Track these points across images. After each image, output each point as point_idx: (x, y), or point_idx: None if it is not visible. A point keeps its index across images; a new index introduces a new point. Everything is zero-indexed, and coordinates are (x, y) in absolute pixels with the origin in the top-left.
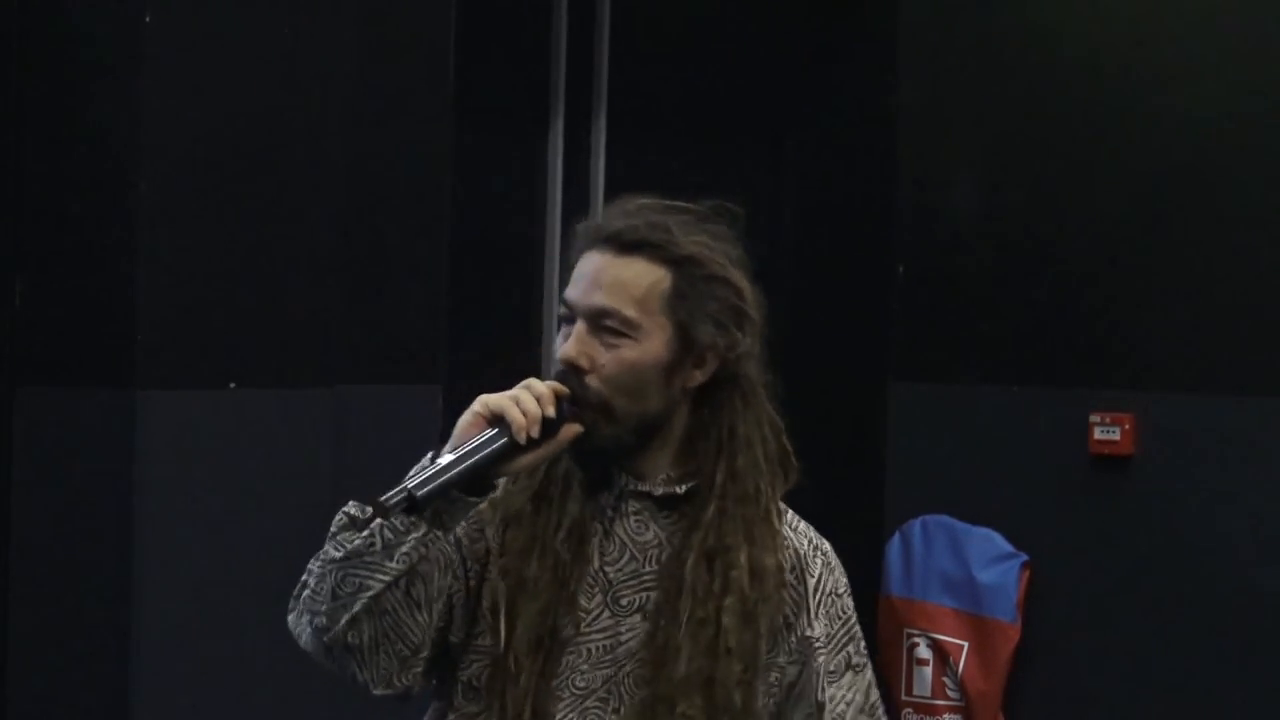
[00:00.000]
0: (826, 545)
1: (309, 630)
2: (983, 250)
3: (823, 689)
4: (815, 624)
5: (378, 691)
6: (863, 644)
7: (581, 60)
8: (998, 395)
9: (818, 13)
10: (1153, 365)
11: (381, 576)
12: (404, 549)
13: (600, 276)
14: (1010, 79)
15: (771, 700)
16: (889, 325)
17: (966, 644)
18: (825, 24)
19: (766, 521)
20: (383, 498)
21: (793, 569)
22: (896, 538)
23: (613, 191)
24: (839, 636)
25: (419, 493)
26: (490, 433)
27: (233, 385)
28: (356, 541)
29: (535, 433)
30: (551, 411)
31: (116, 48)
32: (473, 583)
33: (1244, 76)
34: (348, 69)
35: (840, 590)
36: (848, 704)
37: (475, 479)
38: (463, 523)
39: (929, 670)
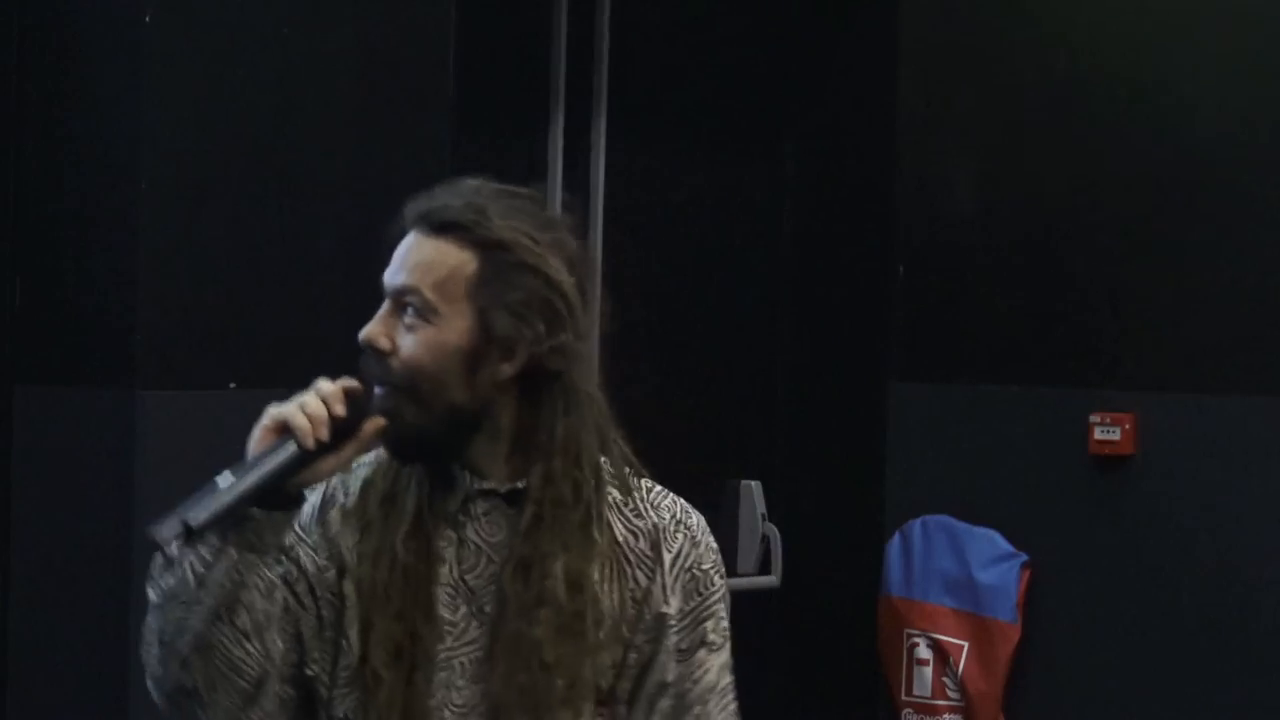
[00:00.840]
0: (695, 519)
1: (151, 686)
2: (983, 250)
3: (671, 667)
4: (670, 600)
5: None
6: (724, 622)
7: (581, 60)
8: (998, 395)
9: (818, 13)
10: (1153, 365)
11: (199, 611)
12: (216, 579)
13: (408, 256)
14: (1010, 79)
15: (628, 682)
16: (889, 325)
17: (966, 644)
18: (825, 24)
19: (585, 528)
20: (156, 526)
21: (650, 544)
22: (896, 538)
23: (613, 191)
24: (694, 612)
25: (194, 521)
26: (279, 444)
27: (233, 385)
28: (171, 581)
29: (324, 435)
30: (341, 410)
31: (116, 48)
32: (324, 611)
33: (1244, 76)
34: (348, 69)
35: (704, 565)
36: (694, 682)
37: (270, 494)
38: (308, 549)
39: (929, 670)
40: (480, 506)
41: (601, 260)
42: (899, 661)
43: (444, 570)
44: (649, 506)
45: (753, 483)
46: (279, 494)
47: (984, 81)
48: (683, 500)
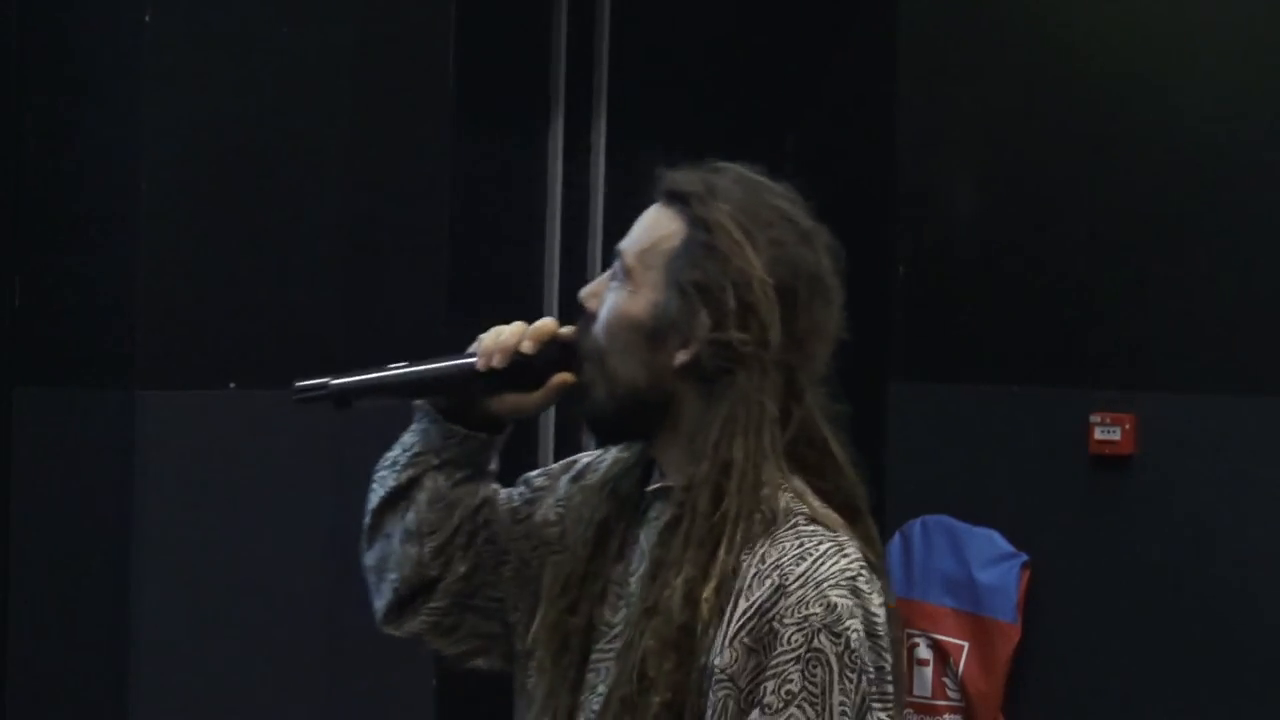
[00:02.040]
0: (801, 570)
1: None
2: (983, 250)
3: None
4: (723, 652)
5: (382, 627)
6: (789, 685)
7: (581, 60)
8: (998, 395)
9: (818, 13)
10: (1153, 365)
11: (380, 490)
12: (399, 465)
13: (638, 221)
14: (1010, 79)
15: None
16: (889, 325)
17: (966, 644)
18: (825, 24)
19: (712, 543)
20: (302, 383)
21: (750, 583)
22: (896, 538)
23: (613, 191)
24: (754, 669)
25: (335, 382)
26: (464, 355)
27: (233, 385)
28: (388, 453)
29: (497, 362)
30: (529, 349)
31: (116, 48)
32: (533, 564)
33: (1244, 76)
34: (348, 69)
35: (784, 620)
36: None
37: (444, 398)
38: (553, 499)
39: (929, 670)
40: (656, 508)
41: (601, 259)
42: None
43: (619, 568)
44: (773, 542)
45: None
46: (464, 408)
47: (984, 81)
48: (825, 549)
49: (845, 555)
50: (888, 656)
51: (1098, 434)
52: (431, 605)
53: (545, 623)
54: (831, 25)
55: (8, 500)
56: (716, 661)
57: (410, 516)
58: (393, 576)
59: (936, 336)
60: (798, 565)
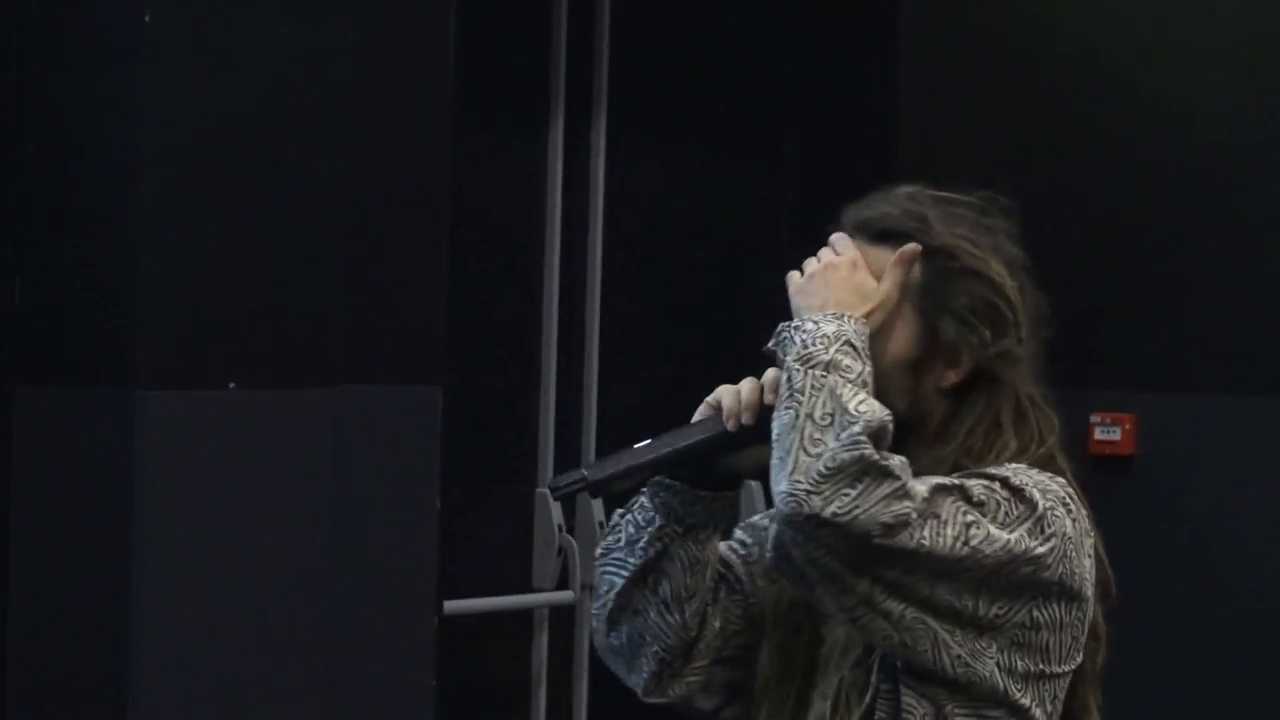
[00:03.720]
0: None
1: (596, 641)
2: None
3: None
4: None
5: (645, 697)
6: (979, 489)
7: (581, 60)
8: None
9: (818, 12)
10: (1153, 365)
11: (622, 572)
12: (641, 543)
13: None
14: (1010, 78)
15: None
16: None
17: None
18: (825, 24)
19: None
20: (557, 477)
21: None
22: None
23: (613, 191)
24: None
25: (591, 474)
26: (709, 419)
27: (233, 385)
28: (609, 538)
29: (747, 419)
30: (771, 399)
31: (116, 48)
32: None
33: (1244, 76)
34: (348, 69)
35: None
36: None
37: (691, 467)
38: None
39: None
40: None
41: (601, 260)
42: None
43: None
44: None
45: (752, 483)
46: (706, 472)
47: (984, 81)
48: (1061, 481)
49: (1069, 488)
50: (1079, 543)
51: (1098, 434)
52: (695, 665)
53: (770, 646)
54: (831, 25)
55: (8, 500)
56: None
57: (665, 587)
58: (655, 649)
59: None
60: (1031, 471)
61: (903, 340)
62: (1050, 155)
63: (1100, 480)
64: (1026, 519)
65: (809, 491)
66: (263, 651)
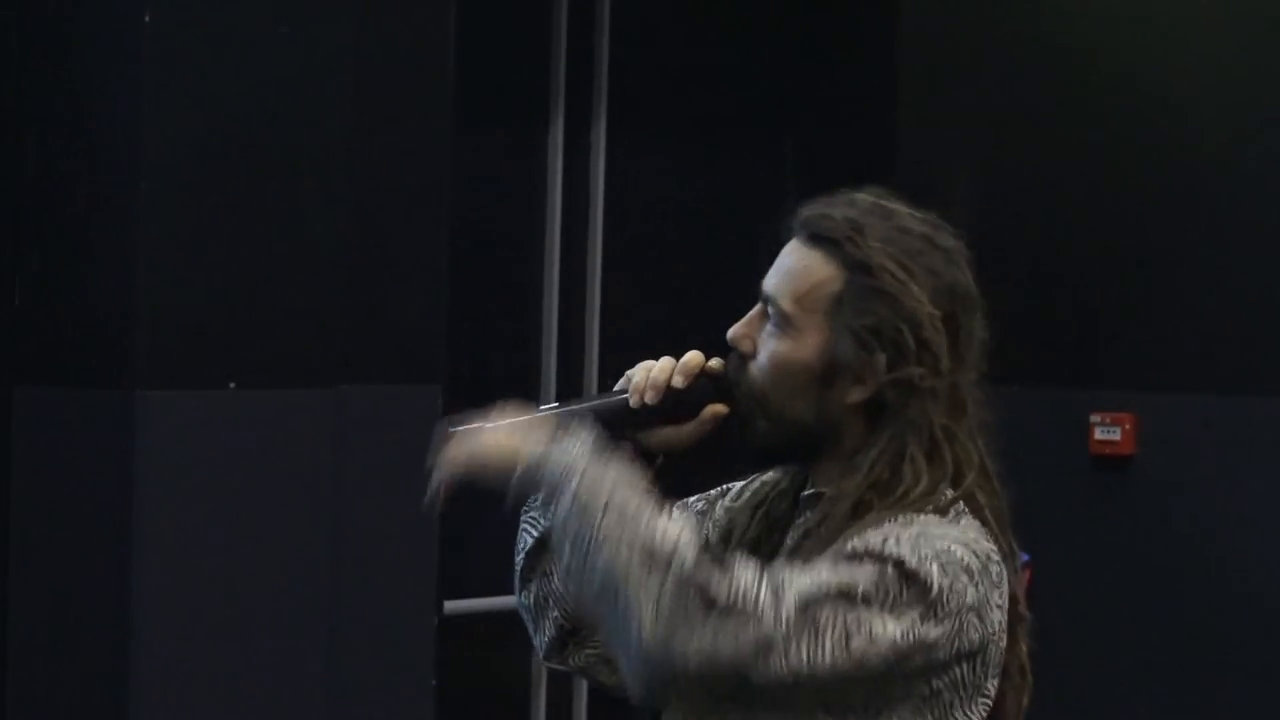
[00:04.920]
0: (935, 530)
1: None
2: (982, 250)
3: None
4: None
5: (546, 662)
6: (856, 543)
7: (581, 60)
8: (998, 395)
9: (818, 12)
10: (1153, 365)
11: (533, 531)
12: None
13: (781, 263)
14: (1010, 78)
15: None
16: None
17: None
18: (825, 24)
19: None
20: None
21: None
22: None
23: (613, 192)
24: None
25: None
26: (617, 392)
27: (233, 385)
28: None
29: (650, 398)
30: (680, 383)
31: (116, 48)
32: None
33: (1244, 76)
34: (348, 69)
35: (892, 537)
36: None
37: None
38: (710, 523)
39: None
40: (805, 517)
41: (601, 260)
42: None
43: None
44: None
45: None
46: (614, 444)
47: (984, 81)
48: (972, 535)
49: (978, 543)
50: (980, 624)
51: (1098, 434)
52: (597, 638)
53: None
54: (831, 26)
55: (8, 500)
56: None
57: None
58: (555, 613)
59: None
60: (931, 529)
61: (810, 348)
62: (1050, 155)
63: (1100, 480)
64: (918, 603)
65: (654, 648)
66: (263, 651)
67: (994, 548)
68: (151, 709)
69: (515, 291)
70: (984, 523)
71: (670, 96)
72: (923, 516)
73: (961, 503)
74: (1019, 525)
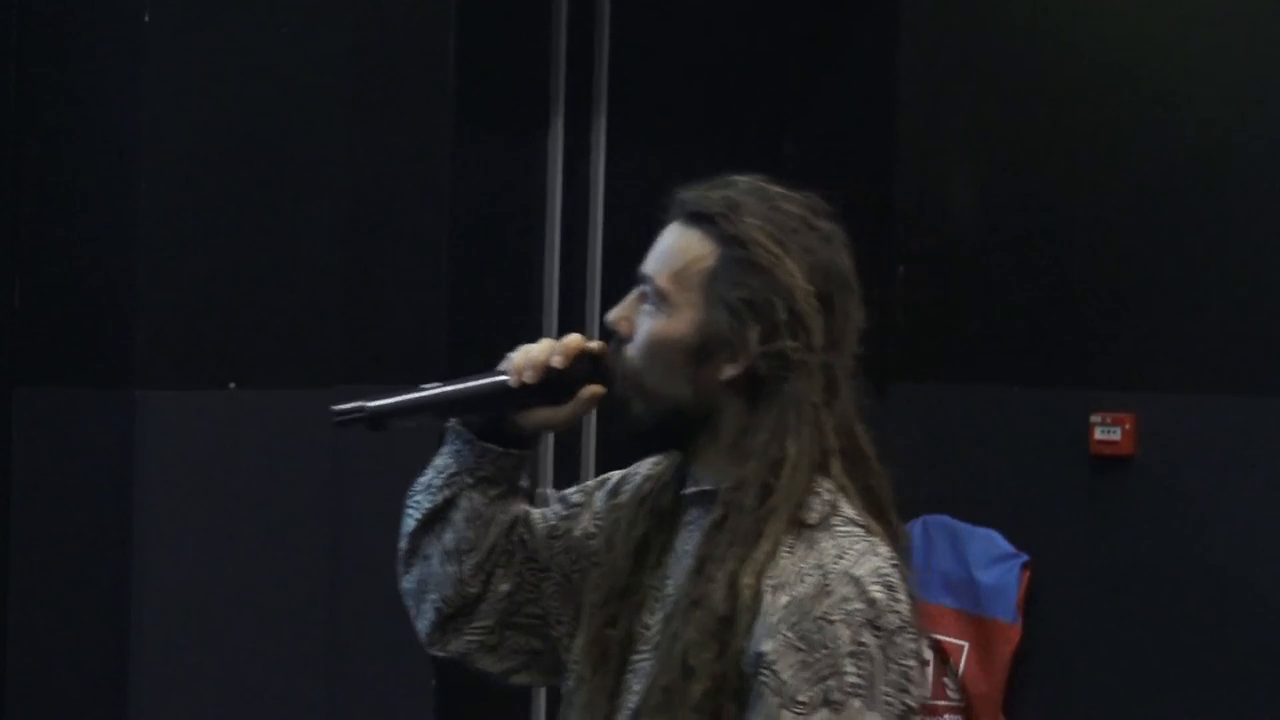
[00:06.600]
0: (842, 566)
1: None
2: (983, 250)
3: (780, 715)
4: (766, 640)
5: (427, 648)
6: (849, 679)
7: (581, 60)
8: (998, 395)
9: (818, 12)
10: (1153, 365)
11: (416, 514)
12: (435, 487)
13: (659, 243)
14: (1010, 79)
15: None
16: (889, 325)
17: (967, 644)
18: (825, 24)
19: (754, 537)
20: (339, 407)
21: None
22: None
23: (613, 191)
24: (813, 665)
25: (371, 405)
26: (496, 372)
27: (233, 385)
28: (419, 478)
29: (529, 378)
30: (559, 364)
31: (116, 48)
32: (575, 578)
33: (1244, 76)
34: (347, 69)
35: (832, 616)
36: None
37: (476, 416)
38: (591, 514)
39: (929, 671)
40: (691, 514)
41: (601, 260)
42: None
43: (658, 576)
44: (811, 545)
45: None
46: (497, 425)
47: (984, 81)
48: (860, 548)
49: (878, 554)
50: (916, 644)
51: (1098, 434)
52: (475, 625)
53: (587, 637)
54: (831, 26)
55: (8, 500)
56: (760, 648)
57: (448, 536)
58: (434, 597)
59: (936, 336)
60: (837, 564)
61: (685, 324)
62: (1050, 155)
63: (1100, 480)
64: (904, 690)
65: None
66: (263, 651)
67: (892, 564)
68: (151, 709)
69: (515, 291)
70: (865, 508)
71: (670, 96)
72: (843, 533)
73: (839, 496)
74: (1019, 525)
